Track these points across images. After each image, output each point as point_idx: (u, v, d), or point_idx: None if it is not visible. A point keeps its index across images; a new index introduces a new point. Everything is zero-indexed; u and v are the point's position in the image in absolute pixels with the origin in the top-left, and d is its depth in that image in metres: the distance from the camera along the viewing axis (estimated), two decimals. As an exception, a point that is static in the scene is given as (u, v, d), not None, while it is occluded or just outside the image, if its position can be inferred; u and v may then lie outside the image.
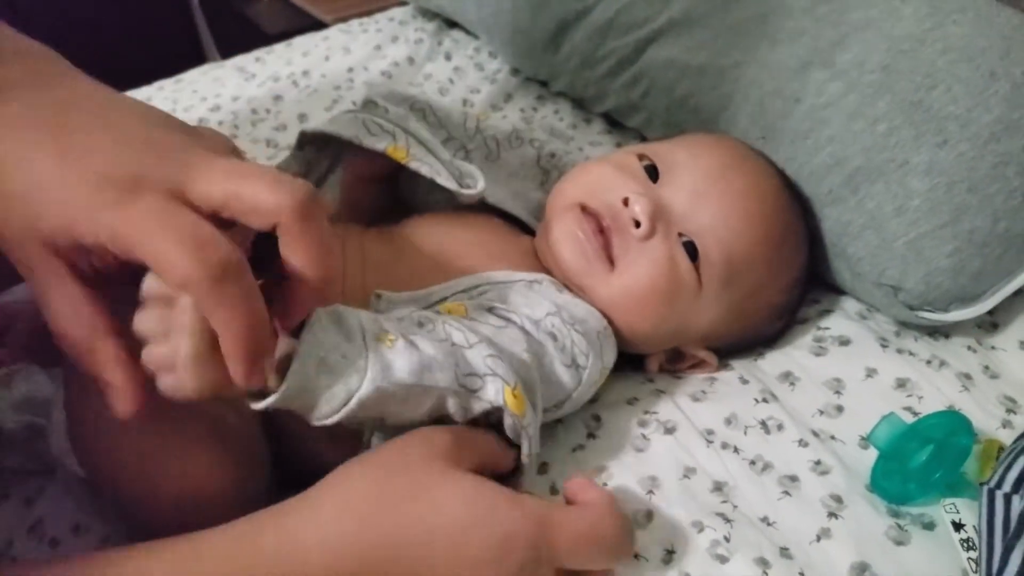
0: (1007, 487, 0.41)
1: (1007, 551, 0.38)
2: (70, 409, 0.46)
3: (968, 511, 0.45)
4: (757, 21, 0.68)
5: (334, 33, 1.13)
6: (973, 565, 0.42)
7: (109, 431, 0.42)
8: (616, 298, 0.53)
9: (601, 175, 0.56)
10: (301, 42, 1.11)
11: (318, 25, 1.38)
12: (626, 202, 0.52)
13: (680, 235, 0.53)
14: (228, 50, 1.68)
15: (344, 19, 1.27)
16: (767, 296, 0.57)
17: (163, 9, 1.85)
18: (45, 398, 0.54)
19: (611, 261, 0.53)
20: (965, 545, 0.44)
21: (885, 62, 0.60)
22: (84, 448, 0.45)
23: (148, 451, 0.42)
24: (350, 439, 0.46)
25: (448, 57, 1.02)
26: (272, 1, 1.56)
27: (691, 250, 0.53)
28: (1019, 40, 0.61)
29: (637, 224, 0.52)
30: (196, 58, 1.94)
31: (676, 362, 0.58)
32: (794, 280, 0.59)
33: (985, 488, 0.43)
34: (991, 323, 0.60)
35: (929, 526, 0.46)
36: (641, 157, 0.56)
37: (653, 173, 0.55)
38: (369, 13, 1.21)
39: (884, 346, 0.57)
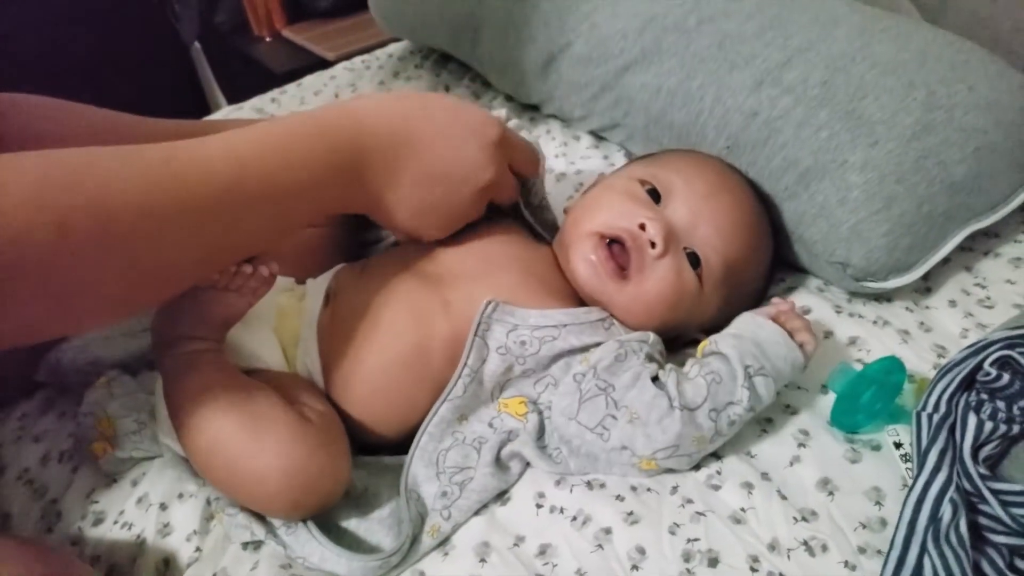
0: (929, 408, 0.54)
1: (924, 454, 0.50)
2: (168, 404, 0.56)
3: (906, 434, 0.57)
4: (715, 48, 0.79)
5: (340, 71, 1.24)
6: (909, 473, 0.54)
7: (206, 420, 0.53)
8: (630, 305, 0.63)
9: (614, 204, 0.64)
10: (310, 82, 1.22)
11: (322, 62, 1.49)
12: (643, 227, 0.61)
13: (685, 248, 0.63)
14: (234, 91, 1.78)
15: (345, 56, 1.38)
16: (750, 286, 0.69)
17: (162, 61, 1.90)
18: (144, 397, 0.65)
19: (623, 277, 0.62)
20: (904, 459, 0.55)
21: (824, 78, 0.72)
22: (183, 435, 0.55)
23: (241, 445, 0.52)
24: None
25: (447, 88, 1.14)
26: (274, 42, 1.66)
27: (694, 259, 0.63)
28: (934, 53, 0.73)
29: (653, 244, 0.61)
30: (198, 100, 2.03)
31: (671, 343, 0.68)
32: (768, 267, 0.70)
33: (914, 412, 0.55)
34: (925, 287, 0.72)
35: (877, 448, 0.58)
36: (643, 182, 0.65)
37: (655, 196, 0.65)
38: (369, 50, 1.32)
39: (838, 312, 0.70)
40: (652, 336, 0.61)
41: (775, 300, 0.63)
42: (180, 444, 0.55)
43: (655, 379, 0.57)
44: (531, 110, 1.06)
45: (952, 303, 0.70)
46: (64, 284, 0.41)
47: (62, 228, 0.40)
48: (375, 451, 0.62)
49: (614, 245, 0.63)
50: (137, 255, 0.44)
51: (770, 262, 0.70)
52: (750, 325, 0.60)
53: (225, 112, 1.19)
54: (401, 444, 0.60)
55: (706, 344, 0.60)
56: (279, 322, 0.64)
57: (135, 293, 0.47)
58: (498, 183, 0.61)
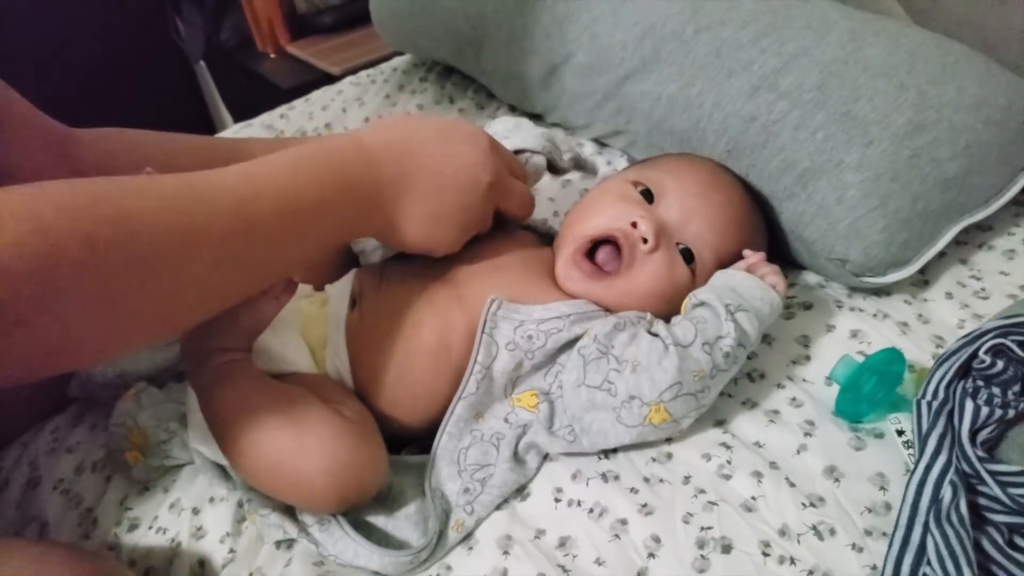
0: (928, 396, 0.56)
1: (925, 439, 0.53)
2: (207, 416, 0.58)
3: (908, 422, 0.59)
4: (713, 56, 0.82)
5: (346, 86, 1.27)
6: (911, 458, 0.57)
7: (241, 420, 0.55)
8: (622, 299, 0.65)
9: (608, 206, 0.67)
10: (318, 96, 1.25)
11: (327, 77, 1.52)
12: (635, 225, 0.64)
13: (677, 244, 0.66)
14: (240, 108, 1.80)
15: (350, 70, 1.41)
16: None
17: (167, 80, 1.92)
18: (172, 407, 0.68)
19: (603, 276, 0.65)
20: (906, 445, 0.58)
21: (819, 82, 0.75)
22: (223, 441, 0.57)
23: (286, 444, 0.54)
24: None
25: (452, 100, 1.17)
26: (279, 58, 1.69)
27: (687, 255, 0.66)
28: (923, 56, 0.76)
29: (645, 240, 0.64)
30: (203, 117, 2.06)
31: None
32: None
33: (915, 400, 0.57)
34: (923, 280, 0.75)
35: (880, 436, 0.60)
36: (636, 184, 0.68)
37: (648, 196, 0.68)
38: (373, 64, 1.35)
39: (839, 306, 0.72)
40: (649, 315, 0.64)
41: (745, 253, 0.67)
42: (224, 455, 0.58)
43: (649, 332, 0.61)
44: (535, 119, 1.08)
45: (949, 295, 0.72)
46: (97, 303, 0.42)
47: (91, 241, 0.41)
48: (397, 449, 0.65)
49: (607, 245, 0.66)
50: (161, 274, 0.45)
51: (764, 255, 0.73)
52: (723, 277, 0.65)
53: (235, 129, 1.21)
54: (423, 438, 0.63)
55: (687, 301, 0.64)
56: (305, 326, 0.67)
57: (168, 315, 0.48)
58: (500, 185, 0.64)
